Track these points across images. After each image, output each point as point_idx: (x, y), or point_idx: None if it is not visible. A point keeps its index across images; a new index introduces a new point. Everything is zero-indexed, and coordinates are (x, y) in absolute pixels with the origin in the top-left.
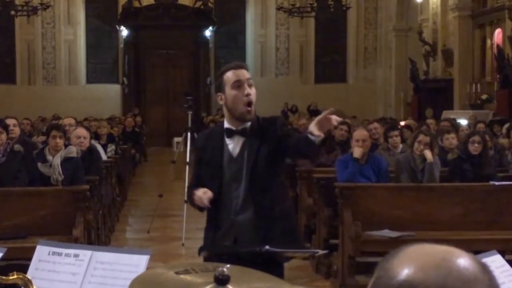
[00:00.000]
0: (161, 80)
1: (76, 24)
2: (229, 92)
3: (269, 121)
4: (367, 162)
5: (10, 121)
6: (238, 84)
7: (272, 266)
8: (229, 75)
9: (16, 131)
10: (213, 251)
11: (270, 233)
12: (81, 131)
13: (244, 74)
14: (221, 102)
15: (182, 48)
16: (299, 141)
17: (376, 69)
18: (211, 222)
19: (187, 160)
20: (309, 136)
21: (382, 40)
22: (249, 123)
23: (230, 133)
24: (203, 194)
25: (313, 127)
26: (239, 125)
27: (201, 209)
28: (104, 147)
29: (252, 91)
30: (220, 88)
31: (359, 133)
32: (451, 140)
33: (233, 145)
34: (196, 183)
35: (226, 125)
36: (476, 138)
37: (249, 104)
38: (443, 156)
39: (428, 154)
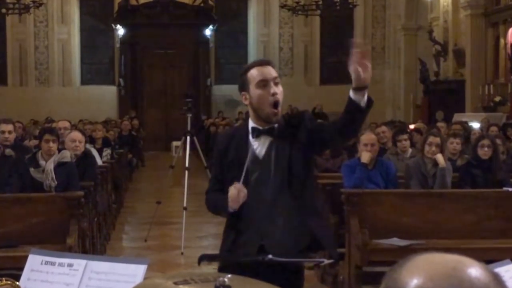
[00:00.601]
0: (159, 81)
1: (70, 22)
2: (254, 91)
3: (296, 118)
4: (375, 167)
5: (6, 127)
6: (263, 83)
7: (292, 276)
8: (254, 73)
9: (11, 138)
10: (213, 260)
11: (304, 239)
12: (76, 135)
13: (270, 71)
14: (246, 102)
15: (181, 48)
16: (335, 122)
17: (384, 70)
18: (232, 227)
19: (186, 165)
20: (352, 96)
21: (391, 39)
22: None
23: (257, 133)
24: (239, 191)
25: (355, 69)
26: (266, 125)
27: (230, 212)
28: (99, 151)
29: (279, 90)
30: (244, 86)
31: (367, 137)
32: (455, 145)
33: (259, 146)
34: (216, 188)
35: (252, 124)
36: (486, 142)
37: (276, 104)
38: (452, 161)
39: (440, 158)
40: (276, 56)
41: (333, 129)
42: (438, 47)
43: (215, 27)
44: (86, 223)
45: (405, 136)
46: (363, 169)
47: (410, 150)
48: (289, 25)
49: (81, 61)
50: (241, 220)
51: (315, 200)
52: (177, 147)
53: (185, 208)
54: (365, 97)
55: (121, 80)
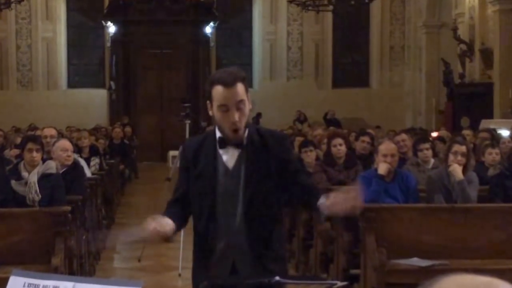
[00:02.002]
0: (154, 84)
1: (55, 19)
2: (215, 110)
3: (274, 138)
4: (394, 180)
5: None
6: (225, 109)
7: None
8: (219, 92)
9: None
10: (215, 284)
11: (265, 259)
12: (67, 144)
13: (235, 95)
14: (210, 113)
15: (179, 47)
16: (304, 191)
17: (403, 72)
18: (201, 245)
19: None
20: (320, 205)
21: (411, 38)
22: (245, 133)
23: (223, 144)
24: (162, 225)
25: (326, 207)
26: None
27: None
28: (87, 161)
29: (243, 112)
30: (209, 98)
31: (387, 147)
32: (494, 155)
33: (227, 157)
34: (177, 199)
35: (218, 134)
36: None
37: (236, 130)
38: (482, 172)
39: (456, 170)
40: (284, 56)
41: (298, 194)
42: (464, 47)
43: (216, 24)
44: (73, 241)
45: (427, 145)
46: (380, 181)
47: (432, 160)
48: (298, 22)
49: (68, 62)
50: (210, 237)
51: (277, 222)
52: (174, 157)
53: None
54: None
55: (112, 83)
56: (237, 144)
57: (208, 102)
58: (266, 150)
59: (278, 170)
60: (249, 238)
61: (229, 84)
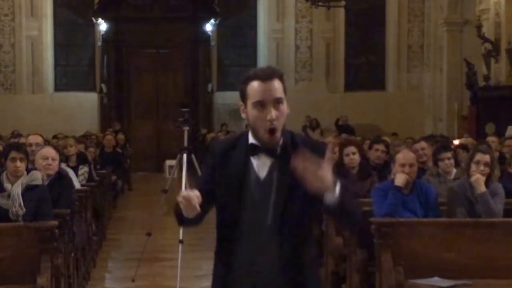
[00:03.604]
0: (149, 87)
1: (41, 16)
2: (250, 110)
3: (313, 147)
4: (412, 192)
5: None
6: (261, 106)
7: None
8: (253, 88)
9: None
10: None
11: (295, 281)
12: (49, 151)
13: (272, 91)
14: (243, 116)
15: (176, 47)
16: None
17: (423, 73)
18: (223, 258)
19: (183, 188)
20: (326, 200)
21: (431, 36)
22: (280, 141)
23: (255, 151)
24: (192, 195)
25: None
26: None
27: (182, 220)
28: (74, 170)
29: (281, 111)
30: (243, 98)
31: (405, 156)
32: None
33: (259, 165)
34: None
35: (251, 140)
36: None
37: (272, 131)
38: (510, 184)
39: (478, 181)
40: (292, 56)
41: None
42: (489, 46)
43: (217, 22)
44: (61, 259)
45: (449, 154)
46: (397, 193)
47: (454, 170)
48: (308, 18)
49: (54, 63)
50: (233, 250)
51: (310, 241)
52: (171, 167)
53: (181, 241)
54: (336, 193)
55: (103, 85)
56: (270, 152)
57: (241, 104)
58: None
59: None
60: (277, 256)
61: (266, 78)
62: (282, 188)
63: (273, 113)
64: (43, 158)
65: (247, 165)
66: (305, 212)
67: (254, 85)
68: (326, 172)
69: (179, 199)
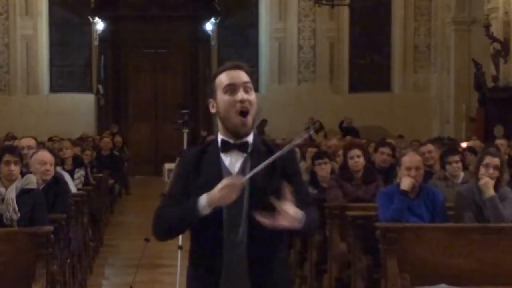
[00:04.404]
0: (147, 88)
1: (36, 15)
2: (221, 97)
3: (283, 152)
4: (419, 196)
5: None
6: (231, 88)
7: None
8: (222, 78)
9: None
10: None
11: (263, 279)
12: (46, 156)
13: (240, 76)
14: (213, 111)
15: (176, 47)
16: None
17: (429, 74)
18: (200, 260)
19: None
20: None
21: (438, 36)
22: (250, 138)
23: (227, 147)
24: (234, 181)
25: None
26: (236, 139)
27: (198, 219)
28: (70, 173)
29: (251, 97)
30: (211, 94)
31: (411, 159)
32: None
33: (231, 162)
34: (173, 203)
35: (221, 136)
36: None
37: (244, 113)
38: None
39: (487, 185)
40: (295, 56)
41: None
42: (497, 46)
43: (218, 21)
44: (56, 266)
45: (456, 157)
46: (403, 198)
47: (462, 174)
48: (311, 17)
49: (50, 63)
50: (209, 252)
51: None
52: (170, 170)
53: (180, 247)
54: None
55: (100, 86)
56: (242, 148)
57: (210, 100)
58: (272, 161)
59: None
60: (249, 255)
61: (234, 67)
62: (254, 185)
63: (244, 95)
64: (41, 163)
65: (219, 164)
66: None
67: (222, 76)
68: (291, 212)
69: (222, 187)
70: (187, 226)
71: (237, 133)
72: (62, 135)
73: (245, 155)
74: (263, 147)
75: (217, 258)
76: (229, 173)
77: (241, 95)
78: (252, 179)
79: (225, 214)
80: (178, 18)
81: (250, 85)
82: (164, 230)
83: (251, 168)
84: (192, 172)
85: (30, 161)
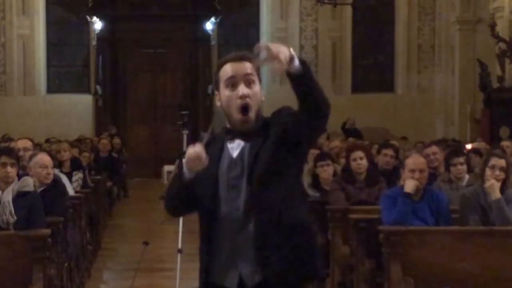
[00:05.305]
0: (146, 88)
1: (33, 14)
2: (223, 91)
3: (273, 115)
4: (423, 199)
5: None
6: (231, 82)
7: None
8: (225, 69)
9: None
10: None
11: (274, 253)
12: (46, 159)
13: (242, 68)
14: (218, 104)
15: (175, 46)
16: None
17: (433, 74)
18: (206, 246)
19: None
20: (291, 71)
21: (442, 35)
22: (256, 126)
23: (230, 135)
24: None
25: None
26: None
27: (187, 181)
28: (68, 176)
29: (253, 90)
30: (216, 84)
31: (415, 161)
32: None
33: (233, 148)
34: None
35: (227, 125)
36: None
37: (244, 108)
38: None
39: (493, 187)
40: None
41: (300, 113)
42: (503, 45)
43: (218, 20)
44: (54, 270)
45: (461, 159)
46: (407, 200)
47: (467, 176)
48: (313, 17)
49: (47, 63)
50: (214, 236)
51: (289, 209)
52: (169, 172)
53: (179, 251)
54: (295, 64)
55: (98, 87)
56: (245, 135)
57: (216, 93)
58: (267, 131)
59: (283, 134)
60: (252, 234)
61: (236, 59)
62: (249, 166)
63: (245, 89)
64: (42, 166)
65: (221, 150)
66: (275, 179)
67: (225, 67)
68: (278, 47)
69: (187, 157)
70: (180, 190)
71: (239, 129)
72: (59, 136)
73: (248, 143)
74: (262, 125)
75: (215, 233)
76: (230, 156)
77: (241, 89)
78: (250, 159)
79: (222, 181)
80: (177, 17)
81: (252, 77)
82: (168, 201)
83: (250, 149)
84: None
85: (30, 164)
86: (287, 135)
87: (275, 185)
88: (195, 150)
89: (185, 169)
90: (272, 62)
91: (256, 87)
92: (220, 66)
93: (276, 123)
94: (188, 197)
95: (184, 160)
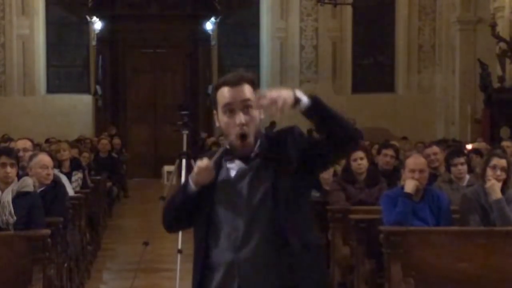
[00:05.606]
0: (146, 89)
1: (33, 14)
2: (221, 116)
3: (280, 137)
4: (423, 199)
5: None
6: (229, 108)
7: None
8: (223, 93)
9: None
10: None
11: (287, 268)
12: (47, 159)
13: (241, 93)
14: (217, 124)
15: (175, 46)
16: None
17: (434, 75)
18: (200, 262)
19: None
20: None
21: (443, 35)
22: (256, 148)
23: (230, 156)
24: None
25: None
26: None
27: (190, 194)
28: (68, 176)
29: (251, 115)
30: (214, 104)
31: (415, 161)
32: None
33: (232, 168)
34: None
35: (227, 145)
36: None
37: (243, 137)
38: None
39: (494, 187)
40: (296, 56)
41: (326, 141)
42: (503, 45)
43: (218, 20)
44: (53, 270)
45: (462, 159)
46: (407, 201)
47: (467, 176)
48: (313, 17)
49: (47, 63)
50: (210, 253)
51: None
52: (169, 172)
53: (179, 251)
54: (304, 104)
55: (98, 87)
56: (245, 158)
57: (214, 112)
58: (275, 156)
59: (302, 161)
60: (259, 249)
61: (233, 83)
62: (253, 189)
63: (242, 117)
64: (43, 167)
65: (221, 166)
66: (293, 208)
67: (223, 90)
68: (279, 92)
69: (196, 169)
70: (180, 204)
71: (236, 151)
72: (59, 136)
73: (247, 163)
74: (266, 147)
75: (211, 250)
76: (228, 177)
77: (239, 118)
78: (251, 182)
79: (219, 198)
80: (177, 17)
81: (250, 102)
82: (166, 215)
83: (255, 178)
84: None
85: (30, 164)
86: (305, 163)
87: (292, 211)
88: (204, 162)
89: (190, 183)
90: (270, 108)
91: (254, 112)
92: (217, 88)
93: (286, 147)
94: (191, 209)
95: (190, 175)
